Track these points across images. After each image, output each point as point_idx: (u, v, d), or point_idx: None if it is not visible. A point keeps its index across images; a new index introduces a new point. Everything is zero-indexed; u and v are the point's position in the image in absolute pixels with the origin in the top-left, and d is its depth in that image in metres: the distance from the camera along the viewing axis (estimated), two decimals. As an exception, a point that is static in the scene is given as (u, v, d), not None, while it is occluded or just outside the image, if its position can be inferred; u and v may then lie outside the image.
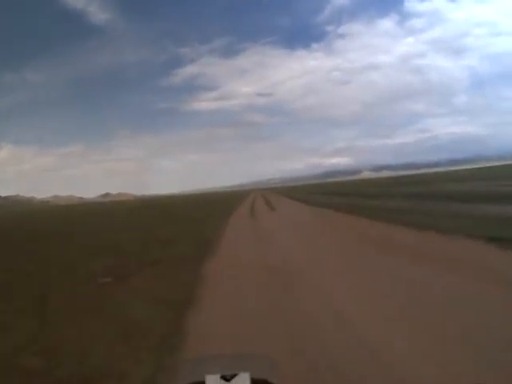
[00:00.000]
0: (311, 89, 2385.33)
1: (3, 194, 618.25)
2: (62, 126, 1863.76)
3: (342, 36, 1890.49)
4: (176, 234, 19.79)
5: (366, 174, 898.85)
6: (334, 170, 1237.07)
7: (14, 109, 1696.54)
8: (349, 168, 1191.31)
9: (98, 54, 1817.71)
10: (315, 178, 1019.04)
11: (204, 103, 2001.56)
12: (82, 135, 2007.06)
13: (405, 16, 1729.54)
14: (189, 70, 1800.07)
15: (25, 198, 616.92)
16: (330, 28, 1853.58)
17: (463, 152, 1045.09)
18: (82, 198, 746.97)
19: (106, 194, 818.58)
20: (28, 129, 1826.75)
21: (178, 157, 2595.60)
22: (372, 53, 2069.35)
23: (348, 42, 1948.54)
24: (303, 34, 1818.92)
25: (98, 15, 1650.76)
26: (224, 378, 0.94)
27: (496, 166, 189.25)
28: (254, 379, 0.94)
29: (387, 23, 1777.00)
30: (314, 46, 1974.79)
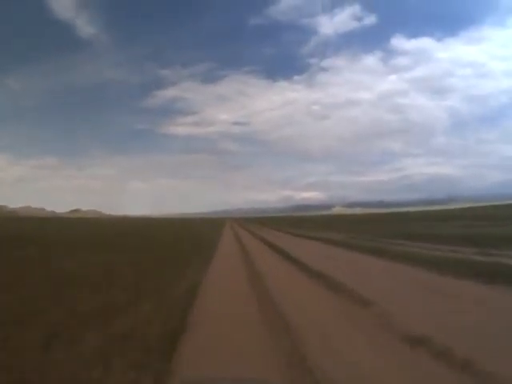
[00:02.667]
0: (289, 120, 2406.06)
1: None
2: (38, 136, 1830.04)
3: (324, 69, 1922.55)
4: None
5: (338, 210, 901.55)
6: (306, 203, 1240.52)
7: None
8: (321, 202, 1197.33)
9: (81, 67, 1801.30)
10: (287, 210, 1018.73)
11: (180, 128, 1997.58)
12: (57, 148, 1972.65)
13: (389, 53, 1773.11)
14: (168, 93, 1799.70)
15: None
16: (313, 60, 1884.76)
17: (436, 192, 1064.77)
18: (53, 211, 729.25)
19: (76, 210, 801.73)
20: (3, 136, 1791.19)
21: (151, 179, 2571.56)
22: (353, 89, 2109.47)
23: (330, 76, 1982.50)
24: (286, 64, 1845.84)
25: (85, 28, 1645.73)
26: None
27: (468, 208, 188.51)
28: None
29: (371, 59, 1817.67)
30: (296, 77, 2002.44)
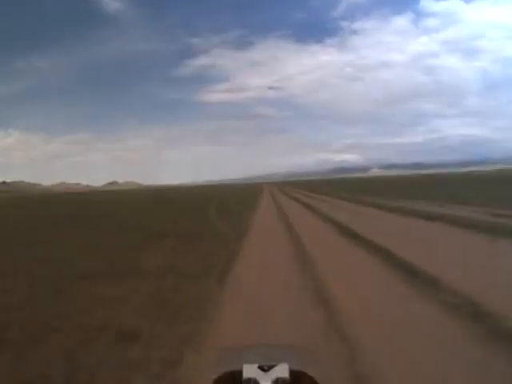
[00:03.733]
0: (322, 84, 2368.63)
1: (8, 180, 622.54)
2: (70, 113, 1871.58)
3: (355, 32, 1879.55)
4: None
5: (375, 172, 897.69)
6: (342, 166, 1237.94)
7: (23, 96, 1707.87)
8: (358, 165, 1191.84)
9: (109, 42, 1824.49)
10: (324, 173, 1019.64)
11: (214, 95, 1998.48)
12: (90, 123, 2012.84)
13: (419, 15, 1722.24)
14: (200, 61, 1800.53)
15: (30, 185, 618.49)
16: (344, 23, 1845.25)
17: (472, 154, 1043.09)
18: (88, 185, 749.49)
19: (113, 182, 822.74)
20: (37, 116, 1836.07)
21: (187, 148, 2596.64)
22: (385, 50, 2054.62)
23: (362, 39, 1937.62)
24: (317, 28, 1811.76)
25: (111, 3, 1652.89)
26: (261, 368, 0.91)
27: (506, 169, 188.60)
28: (291, 370, 0.91)
29: (401, 21, 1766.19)
30: (328, 41, 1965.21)
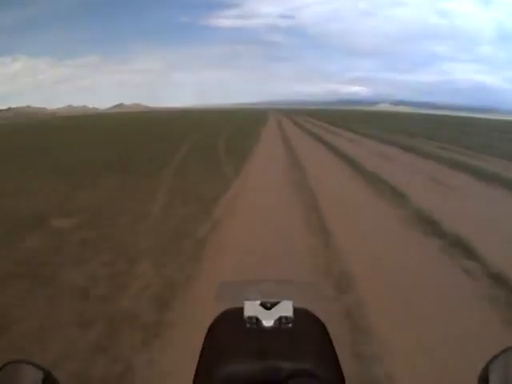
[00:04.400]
0: (335, 15, 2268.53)
1: (13, 105, 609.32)
2: (78, 37, 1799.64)
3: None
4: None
5: (384, 106, 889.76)
6: (352, 98, 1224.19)
7: (27, 21, 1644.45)
8: (367, 98, 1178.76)
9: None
10: (332, 104, 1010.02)
11: (223, 20, 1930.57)
12: (99, 47, 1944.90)
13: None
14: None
15: (36, 109, 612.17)
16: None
17: (480, 100, 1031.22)
18: (95, 108, 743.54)
19: (120, 105, 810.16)
20: (44, 41, 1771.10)
21: (194, 71, 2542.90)
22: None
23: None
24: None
25: None
26: (264, 305, 0.87)
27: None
28: (294, 308, 0.86)
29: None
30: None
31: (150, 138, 30.84)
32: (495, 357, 0.79)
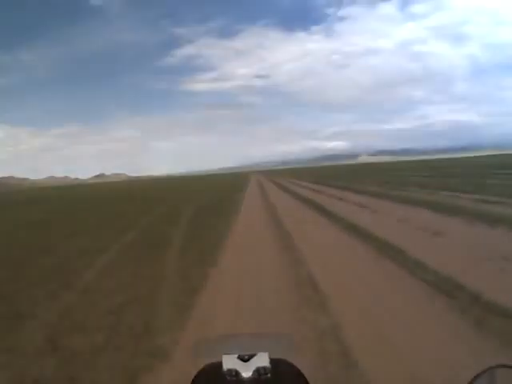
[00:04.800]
0: (309, 71, 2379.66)
1: None
2: (57, 106, 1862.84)
3: (342, 19, 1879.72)
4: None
5: (364, 159, 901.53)
6: (331, 153, 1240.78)
7: (9, 90, 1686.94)
8: (346, 152, 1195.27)
9: (94, 33, 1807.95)
10: (313, 161, 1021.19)
11: (201, 84, 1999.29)
12: (77, 116, 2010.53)
13: (406, 1, 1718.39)
14: (186, 51, 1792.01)
15: (19, 180, 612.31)
16: (329, 10, 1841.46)
17: (459, 140, 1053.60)
18: (77, 178, 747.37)
19: (101, 175, 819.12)
20: (24, 109, 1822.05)
21: (174, 138, 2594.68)
22: (372, 37, 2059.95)
23: (348, 26, 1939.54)
24: (302, 16, 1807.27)
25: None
26: (241, 358, 0.90)
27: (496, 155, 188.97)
28: (271, 359, 0.90)
29: (388, 7, 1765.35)
30: (314, 28, 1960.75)
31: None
32: (477, 376, 0.83)
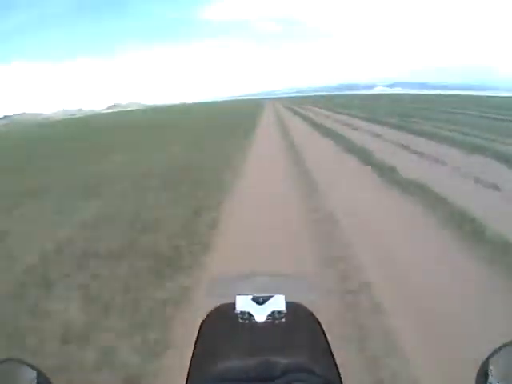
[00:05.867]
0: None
1: (10, 113, 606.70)
2: (70, 39, 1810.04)
3: None
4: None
5: (380, 89, 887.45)
6: (348, 83, 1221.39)
7: (22, 28, 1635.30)
8: (363, 82, 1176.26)
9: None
10: (331, 89, 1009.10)
11: (216, 12, 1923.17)
12: (89, 47, 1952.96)
13: None
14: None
15: (32, 115, 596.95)
16: None
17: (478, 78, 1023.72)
18: (92, 110, 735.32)
19: (116, 105, 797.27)
20: (37, 46, 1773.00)
21: (190, 66, 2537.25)
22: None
23: None
24: None
25: None
26: (256, 300, 0.85)
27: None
28: (287, 302, 0.85)
29: None
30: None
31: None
32: (495, 351, 0.81)
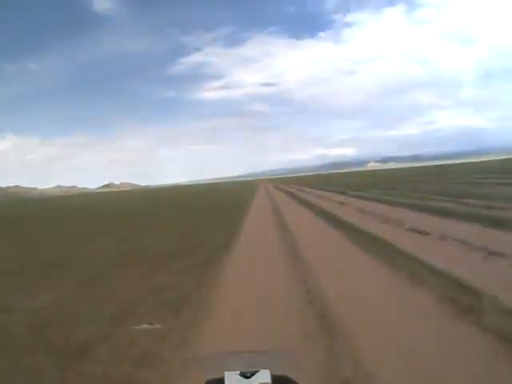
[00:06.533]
0: (317, 78, 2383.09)
1: (3, 185, 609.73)
2: (64, 115, 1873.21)
3: (349, 25, 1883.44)
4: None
5: (373, 165, 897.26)
6: (340, 160, 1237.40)
7: (16, 99, 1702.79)
8: (355, 159, 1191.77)
9: (101, 42, 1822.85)
10: (322, 168, 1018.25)
11: (208, 93, 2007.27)
12: (85, 125, 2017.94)
13: (412, 6, 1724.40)
14: (193, 59, 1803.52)
15: (26, 189, 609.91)
16: (336, 16, 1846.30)
17: (467, 145, 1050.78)
18: (85, 187, 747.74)
19: (109, 184, 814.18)
20: (31, 119, 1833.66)
21: (183, 147, 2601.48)
22: (379, 43, 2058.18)
23: (355, 31, 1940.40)
24: (309, 22, 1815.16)
25: (100, 3, 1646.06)
26: (243, 375, 0.88)
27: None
28: (273, 375, 0.88)
29: (394, 13, 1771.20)
30: (321, 34, 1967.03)
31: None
32: None
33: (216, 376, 0.91)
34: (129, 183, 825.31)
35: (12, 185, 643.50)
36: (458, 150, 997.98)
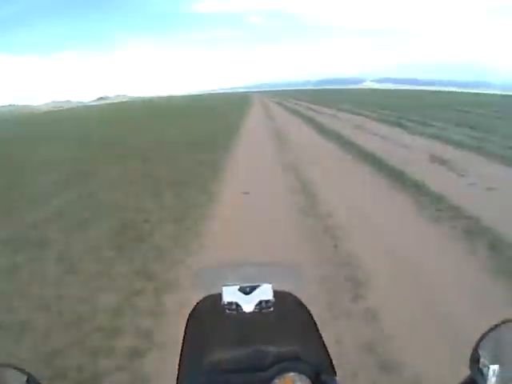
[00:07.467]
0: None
1: None
2: (58, 32, 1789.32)
3: None
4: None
5: (368, 84, 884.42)
6: (337, 77, 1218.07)
7: (8, 20, 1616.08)
8: (352, 77, 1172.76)
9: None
10: (318, 84, 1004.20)
11: (205, 5, 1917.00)
12: (78, 39, 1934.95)
13: None
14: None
15: (20, 107, 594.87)
16: None
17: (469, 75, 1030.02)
18: (80, 102, 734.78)
19: (104, 97, 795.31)
20: (24, 39, 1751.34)
21: (179, 60, 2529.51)
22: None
23: None
24: None
25: None
26: (243, 289, 0.83)
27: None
28: (275, 291, 0.83)
29: None
30: None
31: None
32: (483, 336, 0.80)
33: (214, 292, 0.86)
34: (123, 95, 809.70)
35: (6, 104, 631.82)
36: (459, 78, 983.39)
